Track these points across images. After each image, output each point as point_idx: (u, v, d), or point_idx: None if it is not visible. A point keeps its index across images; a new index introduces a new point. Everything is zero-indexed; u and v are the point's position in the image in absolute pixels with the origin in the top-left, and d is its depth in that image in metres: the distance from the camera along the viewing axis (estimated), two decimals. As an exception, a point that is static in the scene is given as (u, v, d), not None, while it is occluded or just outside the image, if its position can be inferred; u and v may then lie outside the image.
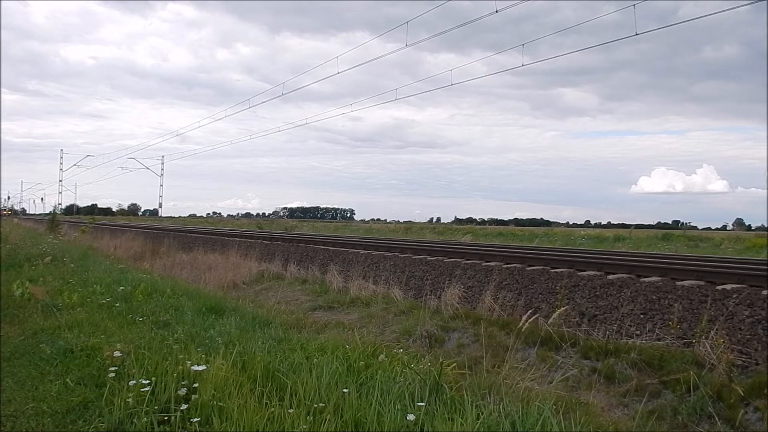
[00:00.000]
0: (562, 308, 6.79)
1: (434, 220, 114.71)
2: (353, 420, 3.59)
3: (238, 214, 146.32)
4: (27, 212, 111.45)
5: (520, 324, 5.38)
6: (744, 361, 6.02)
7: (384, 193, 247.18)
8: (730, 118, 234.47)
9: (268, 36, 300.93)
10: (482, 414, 3.69)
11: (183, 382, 3.96)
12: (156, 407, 3.67)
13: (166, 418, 3.59)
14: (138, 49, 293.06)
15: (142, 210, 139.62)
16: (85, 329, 6.17)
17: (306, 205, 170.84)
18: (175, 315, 7.23)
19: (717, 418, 5.15)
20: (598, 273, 9.32)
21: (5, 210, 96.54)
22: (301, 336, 6.45)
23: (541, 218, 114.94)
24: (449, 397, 4.09)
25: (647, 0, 10.39)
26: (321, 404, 3.72)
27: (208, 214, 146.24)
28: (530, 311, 8.49)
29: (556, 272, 9.70)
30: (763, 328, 6.41)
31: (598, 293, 8.49)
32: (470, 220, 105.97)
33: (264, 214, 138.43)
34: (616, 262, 10.22)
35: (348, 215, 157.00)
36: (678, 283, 8.07)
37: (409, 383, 4.27)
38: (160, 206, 63.37)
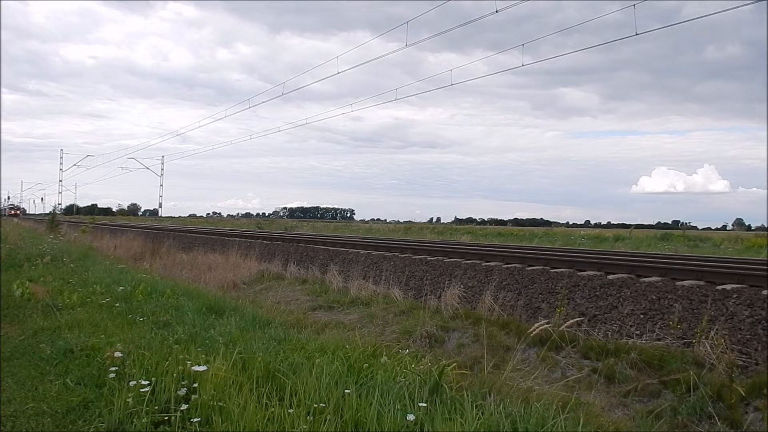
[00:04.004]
0: (576, 319, 6.78)
1: (434, 220, 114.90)
2: (353, 420, 3.59)
3: (238, 214, 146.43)
4: (27, 212, 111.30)
5: (530, 330, 5.37)
6: (744, 361, 6.02)
7: (384, 193, 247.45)
8: (731, 118, 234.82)
9: (268, 36, 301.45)
10: (483, 414, 3.69)
11: (183, 383, 3.96)
12: (156, 407, 3.67)
13: (166, 418, 3.59)
14: (138, 48, 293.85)
15: (142, 210, 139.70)
16: (85, 329, 6.16)
17: (306, 205, 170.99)
18: (175, 315, 7.22)
19: (717, 418, 5.15)
20: (598, 273, 9.31)
21: (12, 209, 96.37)
22: (301, 336, 6.44)
23: (541, 218, 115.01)
24: (449, 397, 4.09)
25: (648, 0, 10.38)
26: (321, 404, 3.72)
27: (208, 214, 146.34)
28: (533, 315, 8.49)
29: (556, 272, 9.69)
30: (763, 328, 6.41)
31: (598, 293, 8.48)
32: (470, 220, 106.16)
33: (264, 214, 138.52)
34: (616, 262, 10.22)
35: (348, 215, 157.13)
36: (678, 283, 8.07)
37: (410, 383, 4.27)
38: (160, 206, 63.20)
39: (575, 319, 6.82)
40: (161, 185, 57.16)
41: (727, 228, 77.26)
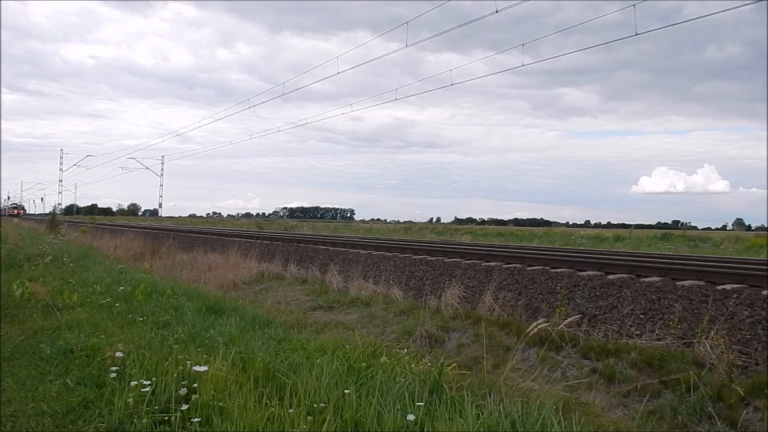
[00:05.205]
0: (573, 317, 6.78)
1: (434, 220, 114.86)
2: (353, 420, 3.59)
3: (238, 214, 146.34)
4: (27, 212, 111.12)
5: (529, 329, 5.37)
6: (744, 361, 6.02)
7: (384, 193, 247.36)
8: (731, 118, 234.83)
9: (268, 35, 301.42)
10: (482, 414, 3.69)
11: (183, 383, 3.97)
12: (156, 407, 3.67)
13: (166, 418, 3.59)
14: (138, 48, 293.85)
15: (142, 210, 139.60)
16: (85, 329, 6.17)
17: (306, 205, 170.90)
18: (175, 315, 7.22)
19: (717, 418, 5.15)
20: (598, 273, 9.31)
21: (15, 208, 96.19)
22: (301, 336, 6.45)
23: (541, 218, 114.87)
24: (449, 397, 4.09)
25: (648, 0, 10.38)
26: (321, 404, 3.72)
27: (208, 214, 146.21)
28: (534, 315, 8.50)
29: (556, 272, 9.70)
30: (763, 328, 6.41)
31: (598, 293, 8.48)
32: (470, 220, 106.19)
33: (264, 214, 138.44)
34: (616, 262, 10.22)
35: (348, 215, 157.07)
36: (678, 283, 8.07)
37: (410, 383, 4.27)
38: (160, 206, 63.13)
39: (573, 318, 6.82)
40: (161, 185, 57.16)
41: (727, 228, 77.32)
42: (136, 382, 3.87)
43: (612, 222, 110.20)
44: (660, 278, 8.53)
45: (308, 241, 19.24)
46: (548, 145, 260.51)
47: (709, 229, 66.87)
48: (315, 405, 3.70)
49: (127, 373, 4.24)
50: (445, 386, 4.27)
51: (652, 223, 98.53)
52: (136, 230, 32.93)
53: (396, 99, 19.47)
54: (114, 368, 4.36)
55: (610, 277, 8.95)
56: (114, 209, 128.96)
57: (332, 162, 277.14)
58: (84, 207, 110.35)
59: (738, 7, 9.63)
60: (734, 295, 7.21)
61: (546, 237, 30.13)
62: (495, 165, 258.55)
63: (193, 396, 3.77)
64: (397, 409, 3.68)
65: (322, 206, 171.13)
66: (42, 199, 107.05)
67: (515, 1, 11.84)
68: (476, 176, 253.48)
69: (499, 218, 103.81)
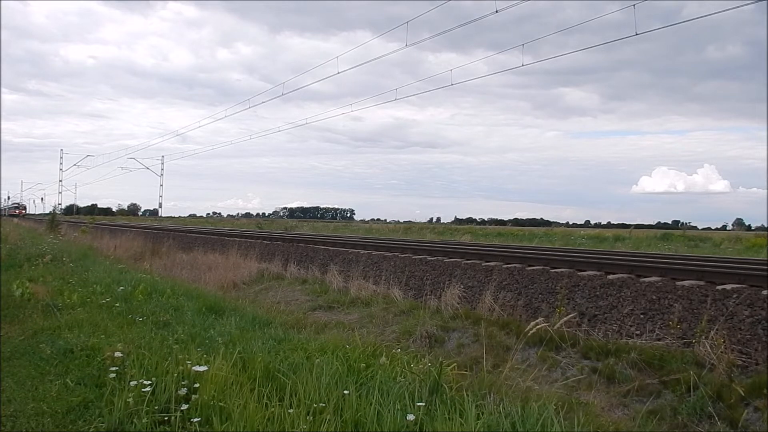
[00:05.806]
0: (570, 315, 6.79)
1: (434, 220, 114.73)
2: (353, 420, 3.59)
3: (238, 214, 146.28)
4: (27, 212, 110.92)
5: (527, 329, 5.38)
6: (744, 361, 6.02)
7: (384, 193, 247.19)
8: (732, 118, 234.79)
9: (268, 35, 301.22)
10: (482, 414, 3.69)
11: (183, 383, 3.97)
12: (156, 407, 3.67)
13: (166, 418, 3.59)
14: (138, 48, 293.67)
15: (142, 210, 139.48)
16: (85, 329, 6.17)
17: (306, 205, 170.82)
18: (175, 315, 7.22)
19: (717, 418, 5.16)
20: (598, 273, 9.31)
21: (17, 208, 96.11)
22: (301, 336, 6.45)
23: (541, 218, 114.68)
24: (449, 397, 4.09)
25: (649, 0, 10.39)
26: (321, 404, 3.72)
27: (208, 214, 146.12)
28: (534, 315, 8.50)
29: (556, 272, 9.70)
30: (763, 328, 6.41)
31: (598, 293, 8.48)
32: (470, 220, 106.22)
33: (264, 214, 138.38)
34: (616, 262, 10.22)
35: (348, 215, 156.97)
36: (678, 283, 8.07)
37: (410, 383, 4.27)
38: (160, 206, 63.19)
39: (570, 315, 6.82)
40: (161, 185, 57.20)
41: (727, 228, 77.15)
42: (136, 382, 3.87)
43: (612, 222, 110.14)
44: (660, 278, 8.53)
45: (308, 241, 19.23)
46: (548, 145, 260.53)
47: (709, 229, 66.87)
48: (315, 405, 3.70)
49: (127, 373, 4.24)
50: (445, 386, 4.27)
51: (652, 223, 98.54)
52: (136, 230, 32.93)
53: (396, 99, 19.46)
54: (114, 368, 4.36)
55: (610, 277, 8.95)
56: (114, 209, 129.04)
57: (332, 162, 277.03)
58: (84, 207, 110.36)
59: (738, 7, 9.64)
60: (734, 295, 7.21)
61: (546, 237, 30.12)
62: (495, 165, 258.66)
63: (193, 396, 3.77)
64: (397, 409, 3.68)
65: (322, 206, 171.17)
66: (42, 199, 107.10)
67: (515, 1, 11.86)
68: (476, 176, 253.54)
69: (499, 218, 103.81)
